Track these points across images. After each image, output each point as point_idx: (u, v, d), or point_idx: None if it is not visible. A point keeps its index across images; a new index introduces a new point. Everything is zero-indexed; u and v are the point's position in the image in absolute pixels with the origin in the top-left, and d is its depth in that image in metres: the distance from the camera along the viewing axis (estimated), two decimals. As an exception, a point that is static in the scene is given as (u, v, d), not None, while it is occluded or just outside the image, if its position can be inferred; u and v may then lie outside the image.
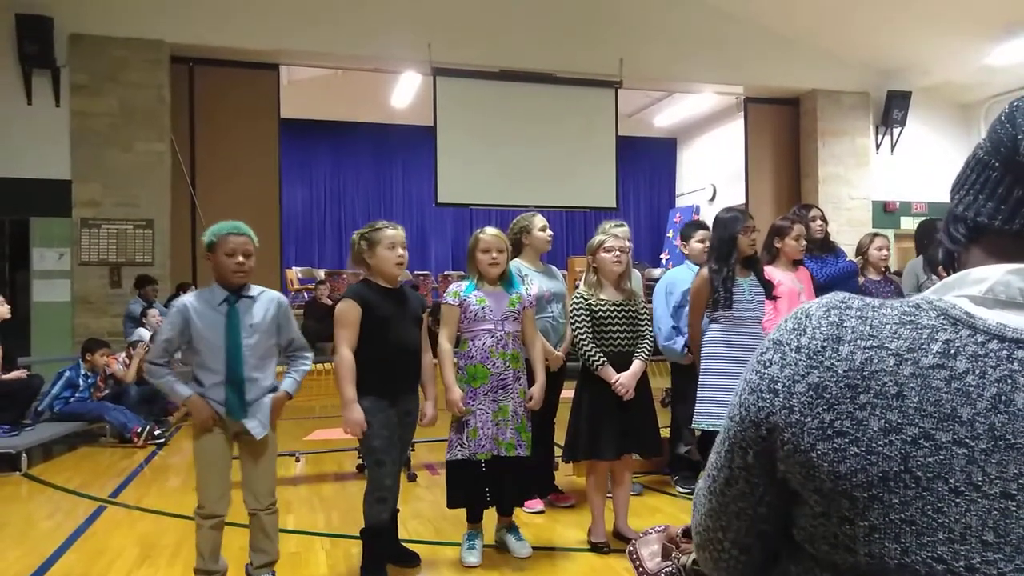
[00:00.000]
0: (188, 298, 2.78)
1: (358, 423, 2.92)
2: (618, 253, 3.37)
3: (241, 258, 2.71)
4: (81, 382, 6.03)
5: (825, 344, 0.69)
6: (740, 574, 0.82)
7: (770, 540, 0.79)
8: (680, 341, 4.18)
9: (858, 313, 0.70)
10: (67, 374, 6.02)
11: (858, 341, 0.68)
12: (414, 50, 8.85)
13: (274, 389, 2.84)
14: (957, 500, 0.63)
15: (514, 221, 4.11)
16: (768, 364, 0.74)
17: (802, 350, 0.70)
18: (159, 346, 2.75)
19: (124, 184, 7.84)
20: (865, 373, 0.67)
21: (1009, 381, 0.63)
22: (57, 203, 7.67)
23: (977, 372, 0.64)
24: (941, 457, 0.63)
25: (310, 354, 2.98)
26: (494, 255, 3.23)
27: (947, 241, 0.76)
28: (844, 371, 0.67)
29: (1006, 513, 0.63)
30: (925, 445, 0.64)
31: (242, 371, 2.72)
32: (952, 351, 0.65)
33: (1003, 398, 0.63)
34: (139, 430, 5.82)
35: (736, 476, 0.77)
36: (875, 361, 0.67)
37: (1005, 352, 0.64)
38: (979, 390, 0.64)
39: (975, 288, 0.69)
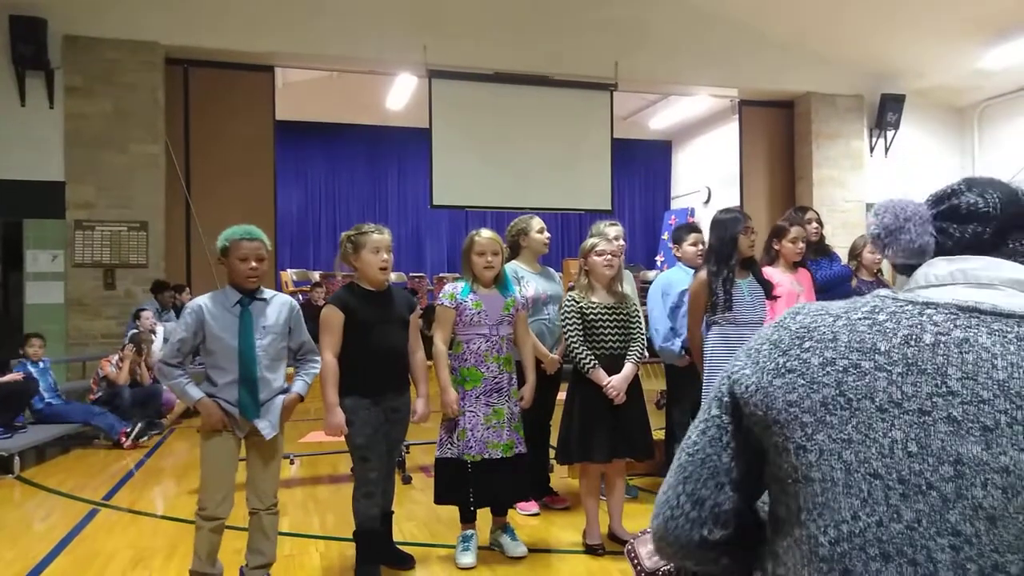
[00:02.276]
0: (203, 299, 2.80)
1: (338, 426, 2.97)
2: (610, 257, 3.38)
3: (254, 263, 2.75)
4: (31, 368, 5.93)
5: (786, 317, 0.92)
6: (686, 535, 0.92)
7: (722, 498, 0.91)
8: (678, 343, 4.18)
9: (817, 303, 0.93)
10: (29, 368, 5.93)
11: (810, 312, 0.90)
12: (409, 52, 8.85)
13: (284, 391, 2.87)
14: (883, 416, 0.78)
15: (512, 223, 4.11)
16: (748, 344, 0.95)
17: (770, 326, 0.93)
18: (172, 346, 2.77)
19: (118, 186, 7.81)
20: (810, 328, 0.87)
21: (919, 326, 0.82)
22: (51, 205, 7.63)
23: (893, 320, 0.83)
24: (867, 380, 0.80)
25: (319, 357, 3.01)
26: (489, 258, 3.24)
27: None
28: (796, 328, 0.89)
29: (924, 427, 0.77)
30: (853, 372, 0.81)
31: (256, 371, 2.75)
32: (876, 310, 0.85)
33: (913, 337, 0.81)
34: (128, 431, 5.80)
35: (710, 424, 0.93)
36: (818, 321, 0.88)
37: (917, 310, 0.83)
38: (894, 331, 0.82)
39: (907, 286, 0.92)
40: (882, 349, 0.80)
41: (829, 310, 0.88)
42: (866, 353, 0.81)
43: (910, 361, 0.79)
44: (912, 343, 0.80)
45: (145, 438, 5.94)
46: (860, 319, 0.84)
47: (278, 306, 2.86)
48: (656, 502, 0.96)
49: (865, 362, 0.80)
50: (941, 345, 0.79)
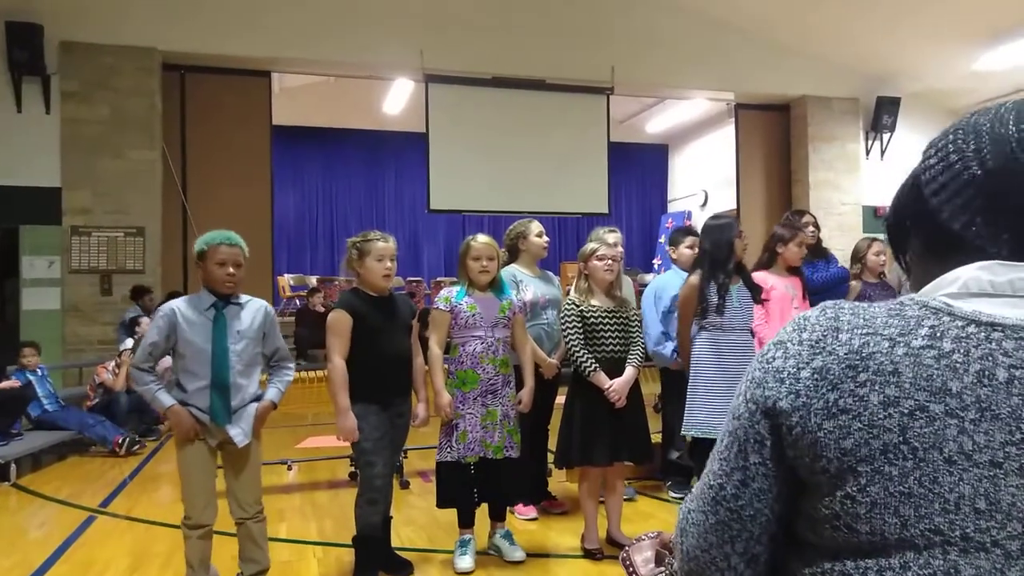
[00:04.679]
0: (176, 303, 2.77)
1: (351, 431, 2.95)
2: (610, 262, 3.38)
3: (231, 269, 2.73)
4: (31, 377, 5.92)
5: (825, 333, 0.76)
6: None
7: (774, 546, 0.80)
8: (669, 346, 4.19)
9: (851, 310, 0.77)
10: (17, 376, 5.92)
11: (855, 329, 0.75)
12: (406, 57, 8.86)
13: (258, 398, 2.84)
14: (951, 469, 0.68)
15: (511, 227, 4.11)
16: (772, 360, 0.78)
17: (804, 343, 0.76)
18: (144, 350, 2.73)
19: (115, 192, 7.81)
20: (863, 354, 0.72)
21: (990, 359, 0.69)
22: (47, 211, 7.62)
23: (961, 351, 0.70)
24: (936, 427, 0.69)
25: (293, 364, 3.00)
26: (484, 263, 3.25)
27: (923, 242, 0.83)
28: (844, 354, 0.73)
29: (995, 481, 0.67)
30: (921, 416, 0.69)
31: (228, 376, 2.72)
32: (938, 334, 0.72)
33: (986, 373, 0.69)
34: (120, 440, 5.75)
35: (753, 474, 0.78)
36: (871, 344, 0.73)
37: (983, 334, 0.71)
38: (964, 366, 0.69)
39: (952, 287, 0.75)
40: (954, 390, 0.69)
41: (879, 329, 0.74)
42: (936, 394, 0.69)
43: (983, 405, 0.68)
44: (985, 382, 0.69)
45: (137, 447, 5.91)
46: (923, 348, 0.71)
47: (252, 311, 2.83)
48: (691, 559, 0.84)
49: (935, 405, 0.69)
50: (1016, 383, 0.68)
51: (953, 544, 0.67)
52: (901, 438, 0.69)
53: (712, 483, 0.82)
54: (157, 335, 2.70)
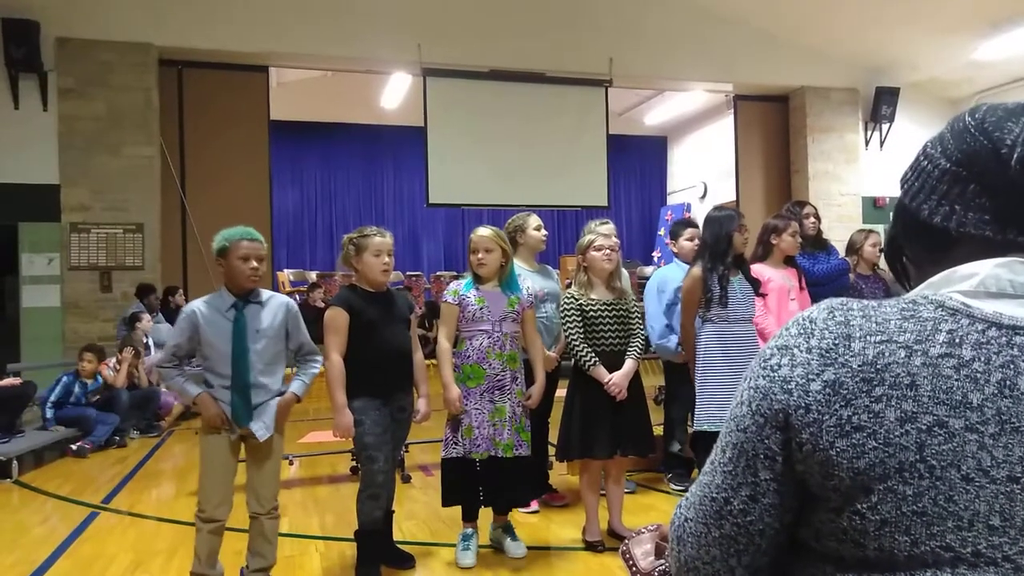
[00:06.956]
0: (197, 304, 2.79)
1: (348, 427, 2.96)
2: (608, 252, 3.37)
3: (255, 263, 2.75)
4: (76, 388, 6.00)
5: (837, 342, 0.71)
6: None
7: (779, 552, 0.78)
8: (674, 339, 4.18)
9: (861, 312, 0.72)
10: (64, 380, 6.00)
11: (868, 337, 0.70)
12: (403, 51, 8.83)
13: (281, 393, 2.85)
14: (967, 487, 0.65)
15: (509, 221, 4.10)
16: (777, 367, 0.73)
17: (813, 350, 0.72)
18: (168, 351, 2.79)
19: (113, 188, 7.78)
20: (878, 366, 0.68)
21: (1012, 366, 0.66)
22: (46, 208, 7.60)
23: (982, 359, 0.67)
24: (955, 444, 0.65)
25: (320, 358, 3.00)
26: (480, 255, 3.25)
27: (918, 249, 0.79)
28: (859, 366, 0.69)
29: (1011, 497, 0.65)
30: (939, 433, 0.66)
31: (248, 376, 2.73)
32: (957, 340, 0.68)
33: (1008, 383, 0.66)
34: (77, 447, 5.65)
35: (764, 490, 0.74)
36: (887, 354, 0.68)
37: (1004, 339, 0.67)
38: (985, 376, 0.66)
39: (966, 284, 0.71)
40: (974, 403, 0.65)
41: (893, 336, 0.69)
42: (955, 408, 0.65)
43: (1004, 418, 0.65)
44: (1006, 392, 0.65)
45: (115, 446, 5.93)
46: (942, 357, 0.67)
47: (274, 308, 2.84)
48: (690, 569, 0.81)
49: (954, 420, 0.65)
50: None
51: (963, 560, 0.65)
52: (918, 456, 0.66)
53: (715, 496, 0.77)
54: (180, 336, 2.75)
